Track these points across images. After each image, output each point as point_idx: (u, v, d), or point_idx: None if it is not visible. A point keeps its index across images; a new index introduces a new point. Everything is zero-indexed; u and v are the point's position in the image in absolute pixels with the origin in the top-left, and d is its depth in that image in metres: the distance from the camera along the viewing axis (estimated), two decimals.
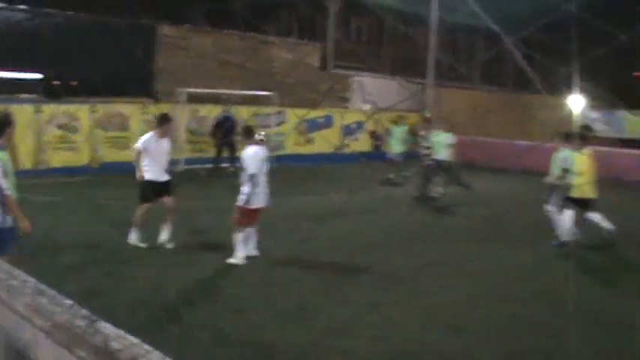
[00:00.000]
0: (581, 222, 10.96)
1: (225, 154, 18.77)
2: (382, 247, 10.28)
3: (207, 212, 12.00)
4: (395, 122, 19.27)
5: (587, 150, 11.17)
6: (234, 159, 18.37)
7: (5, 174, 6.46)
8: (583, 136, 11.61)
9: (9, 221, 6.56)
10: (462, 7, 19.47)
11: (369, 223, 12.38)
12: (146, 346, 2.21)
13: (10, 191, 6.45)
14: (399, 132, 18.77)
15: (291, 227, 10.88)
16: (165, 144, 10.08)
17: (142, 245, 9.69)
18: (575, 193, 10.94)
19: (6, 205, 6.52)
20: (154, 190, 9.74)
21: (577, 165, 10.95)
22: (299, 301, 7.44)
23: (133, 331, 2.37)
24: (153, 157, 9.85)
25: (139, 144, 10.05)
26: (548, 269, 9.50)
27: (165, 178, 10.03)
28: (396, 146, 18.51)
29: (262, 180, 9.05)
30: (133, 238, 9.74)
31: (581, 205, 10.91)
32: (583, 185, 10.86)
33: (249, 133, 9.50)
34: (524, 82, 31.27)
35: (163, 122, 10.24)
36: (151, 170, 9.84)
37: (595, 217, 11.09)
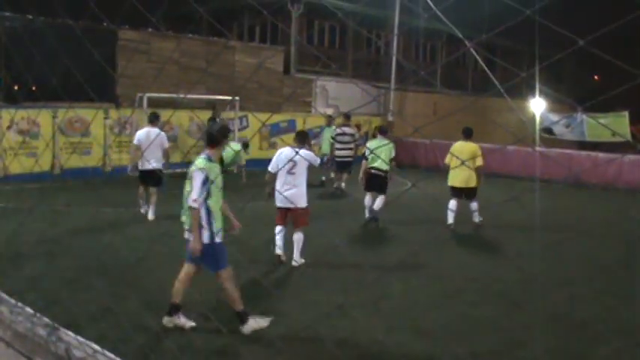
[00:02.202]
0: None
1: None
2: (347, 251, 10.31)
3: (167, 218, 11.92)
4: (327, 123, 19.07)
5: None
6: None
7: (204, 184, 6.32)
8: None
9: (219, 234, 6.51)
10: (424, 12, 19.62)
11: (332, 226, 12.41)
12: (110, 355, 2.19)
13: (197, 203, 6.30)
14: (328, 133, 18.38)
15: (254, 231, 10.84)
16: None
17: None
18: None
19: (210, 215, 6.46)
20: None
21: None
22: (264, 306, 7.42)
23: (96, 339, 2.36)
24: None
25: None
26: (509, 270, 9.61)
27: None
28: (324, 147, 18.51)
29: (286, 180, 9.36)
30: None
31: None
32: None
33: (303, 138, 9.82)
34: (485, 86, 31.74)
35: (157, 119, 12.90)
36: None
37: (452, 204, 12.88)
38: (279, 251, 9.56)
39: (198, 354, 5.89)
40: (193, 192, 6.34)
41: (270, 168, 9.57)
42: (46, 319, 2.75)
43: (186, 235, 6.69)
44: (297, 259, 9.47)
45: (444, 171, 13.06)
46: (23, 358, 2.45)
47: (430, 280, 8.98)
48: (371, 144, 13.66)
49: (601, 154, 21.88)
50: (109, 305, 6.81)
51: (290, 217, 9.54)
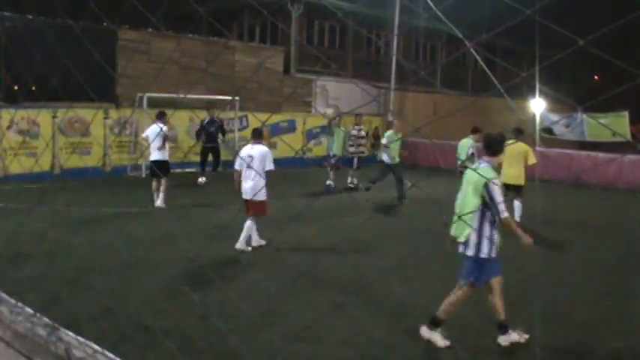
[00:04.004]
0: None
1: (209, 158, 18.80)
2: (346, 251, 10.31)
3: (170, 219, 11.94)
4: (337, 123, 18.77)
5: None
6: (217, 164, 18.55)
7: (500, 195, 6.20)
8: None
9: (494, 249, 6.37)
10: (423, 12, 19.63)
11: (332, 226, 12.41)
12: (110, 355, 2.18)
13: (507, 213, 6.19)
14: (339, 133, 18.36)
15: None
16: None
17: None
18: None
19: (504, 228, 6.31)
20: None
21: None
22: (264, 306, 7.42)
23: (96, 339, 2.35)
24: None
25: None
26: (509, 270, 9.60)
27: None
28: (336, 148, 18.32)
29: (246, 174, 10.19)
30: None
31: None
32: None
33: (259, 135, 10.70)
34: (485, 86, 31.72)
35: (164, 116, 14.34)
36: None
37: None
38: (254, 240, 10.37)
39: (198, 354, 5.89)
40: (501, 205, 6.17)
41: (235, 166, 10.69)
42: (46, 319, 2.74)
43: (462, 249, 6.51)
44: (240, 244, 10.20)
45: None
46: (23, 358, 2.44)
47: (430, 280, 8.97)
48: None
49: (601, 154, 21.86)
50: (109, 305, 6.81)
51: (249, 207, 10.27)
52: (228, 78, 22.08)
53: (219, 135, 18.94)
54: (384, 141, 16.13)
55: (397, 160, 16.03)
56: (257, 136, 10.66)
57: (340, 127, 18.40)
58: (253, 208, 10.18)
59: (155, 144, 13.55)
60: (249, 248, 10.22)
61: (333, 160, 18.17)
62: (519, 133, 13.29)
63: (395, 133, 16.13)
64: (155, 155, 13.75)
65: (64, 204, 13.00)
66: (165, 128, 13.96)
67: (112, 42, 19.27)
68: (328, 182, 18.17)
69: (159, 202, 13.54)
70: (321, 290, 8.17)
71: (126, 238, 10.43)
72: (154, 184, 13.77)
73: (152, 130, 13.78)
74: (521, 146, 12.91)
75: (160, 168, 13.21)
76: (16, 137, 16.88)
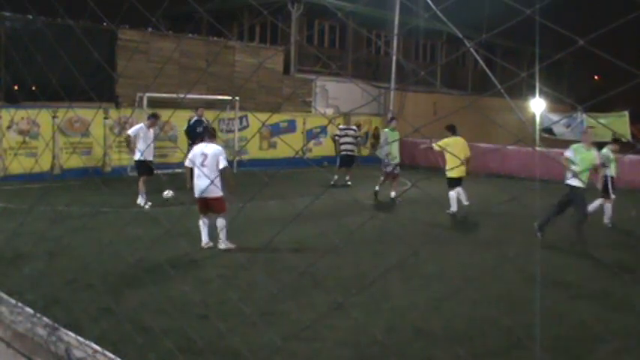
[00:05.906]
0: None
1: None
2: (346, 251, 10.31)
3: (170, 218, 11.94)
4: (393, 127, 16.95)
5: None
6: None
7: None
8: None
9: None
10: (423, 12, 19.63)
11: (332, 226, 12.41)
12: (110, 355, 2.18)
13: None
14: (393, 136, 16.58)
15: (254, 231, 10.85)
16: (151, 133, 14.11)
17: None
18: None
19: None
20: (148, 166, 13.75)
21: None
22: (264, 306, 7.42)
23: (96, 339, 2.35)
24: (145, 142, 13.76)
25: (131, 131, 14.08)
26: (509, 270, 9.60)
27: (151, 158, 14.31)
28: (394, 152, 16.47)
29: (199, 172, 10.29)
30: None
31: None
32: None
33: (213, 134, 11.04)
34: (485, 86, 31.74)
35: (152, 117, 14.19)
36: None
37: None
38: (204, 241, 10.33)
39: (198, 354, 5.89)
40: None
41: (186, 163, 11.13)
42: (46, 319, 2.75)
43: None
44: (223, 243, 10.26)
45: (443, 170, 13.90)
46: (23, 358, 2.44)
47: (430, 280, 8.97)
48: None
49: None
50: (109, 305, 6.81)
51: (209, 206, 10.30)
52: (228, 78, 22.09)
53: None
54: (567, 154, 12.21)
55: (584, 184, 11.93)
56: (211, 135, 10.94)
57: (395, 129, 16.72)
58: (215, 206, 10.29)
59: (141, 145, 13.78)
60: (234, 245, 10.25)
61: (390, 169, 16.21)
62: (455, 130, 14.55)
63: (585, 146, 12.12)
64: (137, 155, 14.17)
65: (64, 204, 13.00)
66: (132, 128, 14.32)
67: (111, 42, 19.26)
68: (393, 194, 16.10)
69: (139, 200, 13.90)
70: (321, 290, 8.16)
71: (126, 238, 10.43)
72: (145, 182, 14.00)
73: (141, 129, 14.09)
74: (463, 141, 14.35)
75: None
76: (16, 137, 16.88)
